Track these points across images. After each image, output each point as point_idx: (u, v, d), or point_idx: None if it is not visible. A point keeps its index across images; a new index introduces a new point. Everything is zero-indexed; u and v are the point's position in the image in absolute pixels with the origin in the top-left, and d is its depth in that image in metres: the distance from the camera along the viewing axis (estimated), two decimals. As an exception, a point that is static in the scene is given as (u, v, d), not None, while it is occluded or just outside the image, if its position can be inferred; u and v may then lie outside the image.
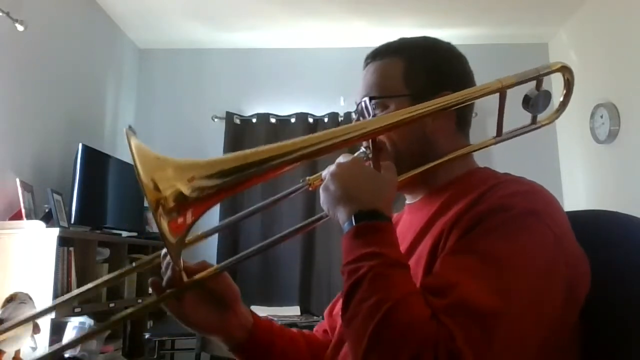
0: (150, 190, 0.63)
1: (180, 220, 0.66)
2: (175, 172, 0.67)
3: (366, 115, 0.87)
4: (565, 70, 0.90)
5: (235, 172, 0.69)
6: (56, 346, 0.83)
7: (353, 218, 0.72)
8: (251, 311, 0.92)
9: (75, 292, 0.91)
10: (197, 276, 0.80)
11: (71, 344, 0.82)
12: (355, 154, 0.85)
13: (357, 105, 0.90)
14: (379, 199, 0.74)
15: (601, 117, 3.18)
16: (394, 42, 0.92)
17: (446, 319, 0.61)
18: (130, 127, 0.78)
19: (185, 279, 0.79)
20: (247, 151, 0.71)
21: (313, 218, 0.85)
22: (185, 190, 0.66)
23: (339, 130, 0.77)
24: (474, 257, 0.67)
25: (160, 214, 0.63)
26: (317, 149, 0.74)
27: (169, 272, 0.78)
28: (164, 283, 0.79)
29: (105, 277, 0.92)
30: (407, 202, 0.94)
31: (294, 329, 1.00)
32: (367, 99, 0.87)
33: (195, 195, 0.66)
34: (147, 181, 0.63)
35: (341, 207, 0.74)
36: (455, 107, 0.82)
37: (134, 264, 0.92)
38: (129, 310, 0.81)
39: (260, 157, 0.71)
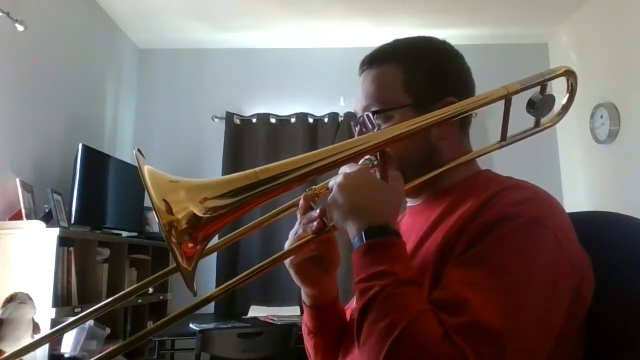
0: (162, 212, 0.63)
1: (191, 243, 0.66)
2: (187, 194, 0.67)
3: (369, 127, 0.87)
4: (570, 74, 0.90)
5: (247, 190, 0.70)
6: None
7: (363, 234, 0.71)
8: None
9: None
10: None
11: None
12: (360, 162, 0.84)
13: (359, 117, 0.89)
14: (387, 212, 0.74)
15: (601, 117, 3.18)
16: (389, 46, 0.91)
17: (459, 338, 0.61)
18: (139, 150, 0.79)
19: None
20: (257, 169, 0.71)
21: (322, 231, 0.84)
22: (198, 212, 0.66)
23: (347, 143, 0.77)
24: (482, 270, 0.67)
25: (172, 236, 0.63)
26: (327, 163, 0.74)
27: (314, 224, 0.82)
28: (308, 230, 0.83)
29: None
30: (408, 204, 0.94)
31: None
32: (370, 113, 0.86)
33: (208, 216, 0.66)
34: (160, 204, 0.64)
35: (350, 220, 0.73)
36: (461, 116, 0.82)
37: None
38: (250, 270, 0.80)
39: (272, 174, 0.71)
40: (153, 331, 0.77)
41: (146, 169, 0.66)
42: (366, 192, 0.74)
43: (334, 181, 0.77)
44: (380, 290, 0.66)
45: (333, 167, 0.75)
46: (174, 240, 0.63)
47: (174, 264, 0.66)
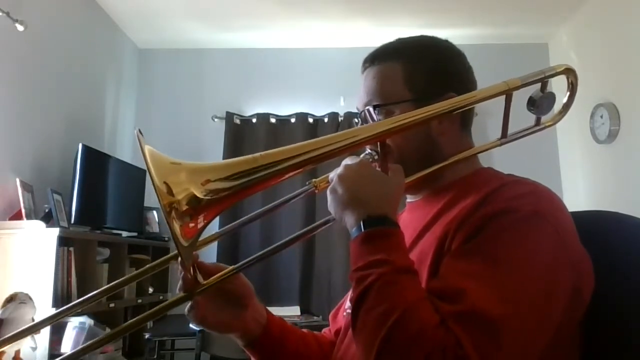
0: (163, 193, 0.64)
1: (192, 223, 0.66)
2: (189, 176, 0.67)
3: (370, 122, 0.87)
4: (570, 72, 0.90)
5: (247, 174, 0.70)
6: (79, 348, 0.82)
7: (361, 223, 0.71)
8: (265, 308, 0.94)
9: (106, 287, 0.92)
10: (211, 279, 0.79)
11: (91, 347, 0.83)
12: (362, 156, 0.84)
13: (360, 112, 0.90)
14: (387, 203, 0.74)
15: (601, 117, 3.18)
16: (392, 44, 0.91)
17: (455, 326, 0.61)
18: (139, 130, 0.78)
19: (201, 279, 0.79)
20: (258, 154, 0.71)
21: (320, 222, 0.84)
22: (199, 193, 0.66)
23: (348, 132, 0.77)
24: (481, 261, 0.67)
25: (173, 217, 0.64)
26: (326, 151, 0.74)
27: (183, 275, 0.78)
28: (178, 287, 0.79)
29: (132, 274, 0.91)
30: (408, 200, 0.94)
31: (305, 330, 1.01)
32: (370, 107, 0.86)
33: (208, 198, 0.67)
34: (161, 185, 0.64)
35: (349, 211, 0.73)
36: (461, 110, 0.82)
37: (148, 265, 0.90)
38: (149, 312, 0.80)
39: (272, 159, 0.71)
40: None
41: (147, 150, 0.66)
42: (366, 183, 0.74)
43: (335, 173, 0.78)
44: (377, 278, 0.66)
45: (333, 155, 0.75)
46: (174, 222, 0.64)
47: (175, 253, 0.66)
